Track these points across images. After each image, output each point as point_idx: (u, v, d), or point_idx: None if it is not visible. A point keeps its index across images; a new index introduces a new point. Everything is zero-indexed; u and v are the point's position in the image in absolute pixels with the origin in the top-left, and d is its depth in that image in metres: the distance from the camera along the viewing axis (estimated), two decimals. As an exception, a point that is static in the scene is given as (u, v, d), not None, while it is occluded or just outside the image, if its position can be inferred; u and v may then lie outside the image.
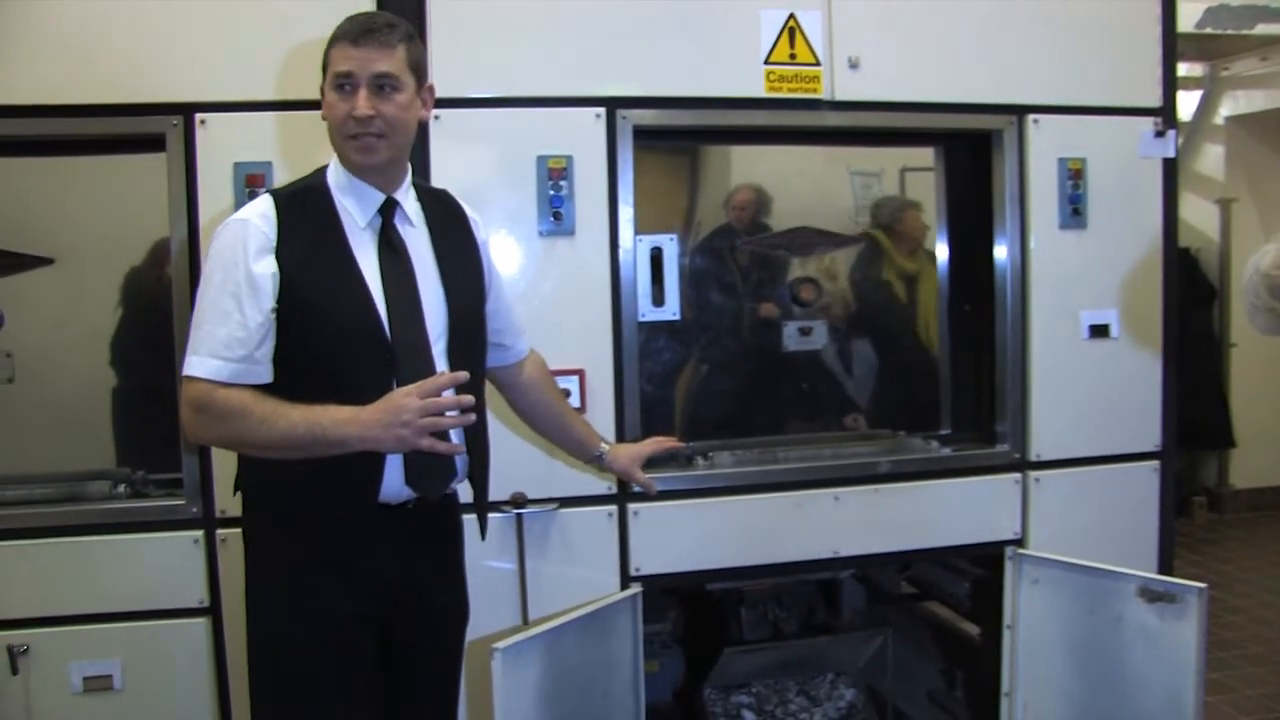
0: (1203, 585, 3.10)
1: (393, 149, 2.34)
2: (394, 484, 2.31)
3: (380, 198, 2.37)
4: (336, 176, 2.37)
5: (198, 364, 2.22)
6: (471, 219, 2.60)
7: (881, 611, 4.06)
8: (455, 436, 2.37)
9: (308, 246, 2.28)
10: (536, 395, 2.79)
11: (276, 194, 2.34)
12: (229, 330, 2.21)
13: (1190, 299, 7.29)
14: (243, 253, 2.23)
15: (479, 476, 2.53)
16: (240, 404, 2.20)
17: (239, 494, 2.42)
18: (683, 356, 3.50)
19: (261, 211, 2.29)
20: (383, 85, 2.29)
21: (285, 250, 2.26)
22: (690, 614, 3.89)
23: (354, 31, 2.28)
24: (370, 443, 2.19)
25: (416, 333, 2.33)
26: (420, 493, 2.36)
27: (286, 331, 2.26)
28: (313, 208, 2.33)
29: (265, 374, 2.26)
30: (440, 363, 2.37)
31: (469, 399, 2.21)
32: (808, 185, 3.69)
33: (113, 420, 3.24)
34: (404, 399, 2.17)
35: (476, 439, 2.47)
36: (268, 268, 2.23)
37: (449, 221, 2.53)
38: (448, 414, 2.20)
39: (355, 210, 2.35)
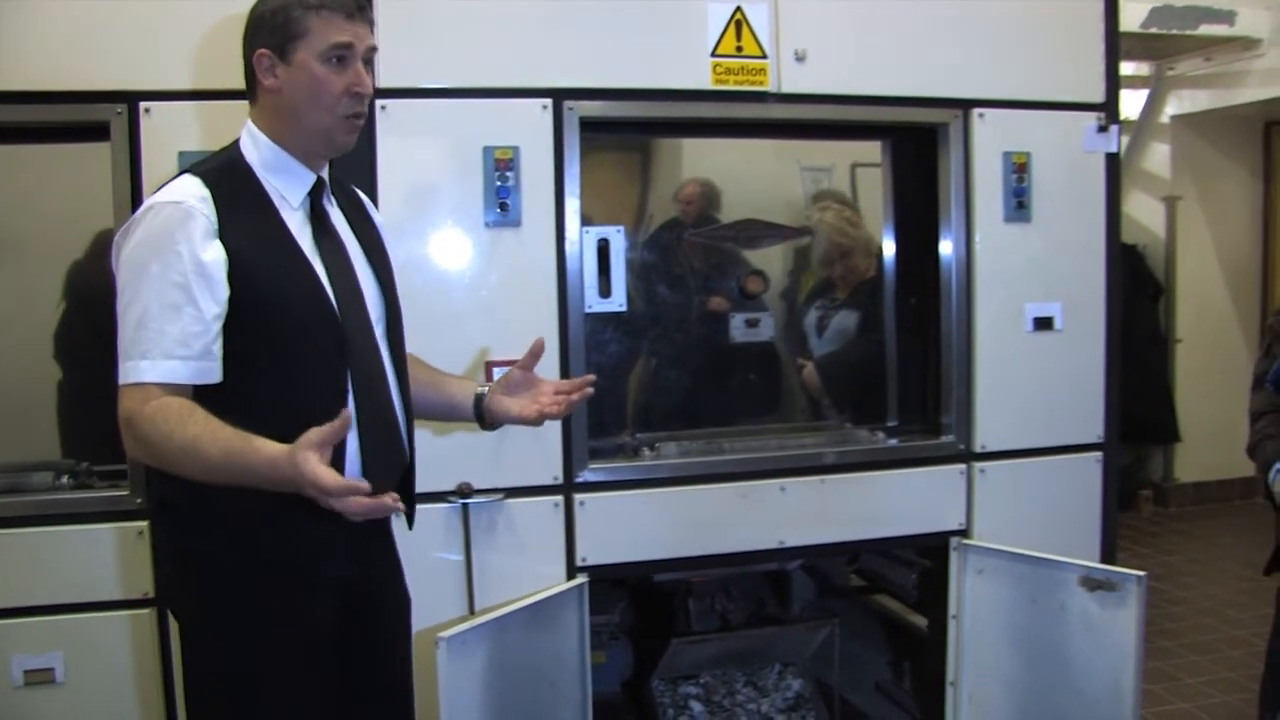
0: (1142, 573, 3.14)
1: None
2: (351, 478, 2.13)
3: (312, 178, 2.24)
4: (263, 154, 2.21)
5: (149, 369, 2.03)
6: (367, 202, 2.51)
7: (831, 604, 4.07)
8: (401, 421, 2.33)
9: (248, 229, 2.12)
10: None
11: (201, 172, 2.15)
12: (182, 325, 2.03)
13: (1136, 295, 7.35)
14: (184, 239, 2.04)
15: (411, 467, 2.43)
16: (164, 424, 1.99)
17: (160, 508, 2.23)
18: (631, 348, 3.50)
19: (196, 193, 2.09)
20: (370, 61, 2.22)
21: (228, 234, 2.08)
22: (638, 606, 3.88)
23: (347, 3, 2.17)
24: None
25: (362, 317, 2.25)
26: (376, 483, 2.17)
27: (235, 323, 2.09)
28: (241, 188, 2.16)
29: (218, 371, 2.08)
30: (380, 347, 2.30)
31: (389, 505, 1.94)
32: (758, 180, 3.70)
33: (58, 413, 3.20)
34: (313, 490, 1.89)
35: (408, 427, 2.38)
36: (217, 254, 2.06)
37: (354, 204, 2.43)
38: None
39: (286, 191, 2.21)
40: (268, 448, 1.94)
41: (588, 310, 3.24)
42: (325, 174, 2.30)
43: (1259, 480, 3.02)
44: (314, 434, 1.91)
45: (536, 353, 2.49)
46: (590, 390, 2.51)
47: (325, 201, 2.29)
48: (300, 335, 2.15)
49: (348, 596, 2.26)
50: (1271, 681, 3.09)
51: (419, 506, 2.73)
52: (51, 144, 3.08)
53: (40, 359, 3.15)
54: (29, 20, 2.89)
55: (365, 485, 1.92)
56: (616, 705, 3.79)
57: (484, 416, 2.52)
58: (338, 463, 2.11)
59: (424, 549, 2.98)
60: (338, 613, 2.24)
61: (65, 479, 3.06)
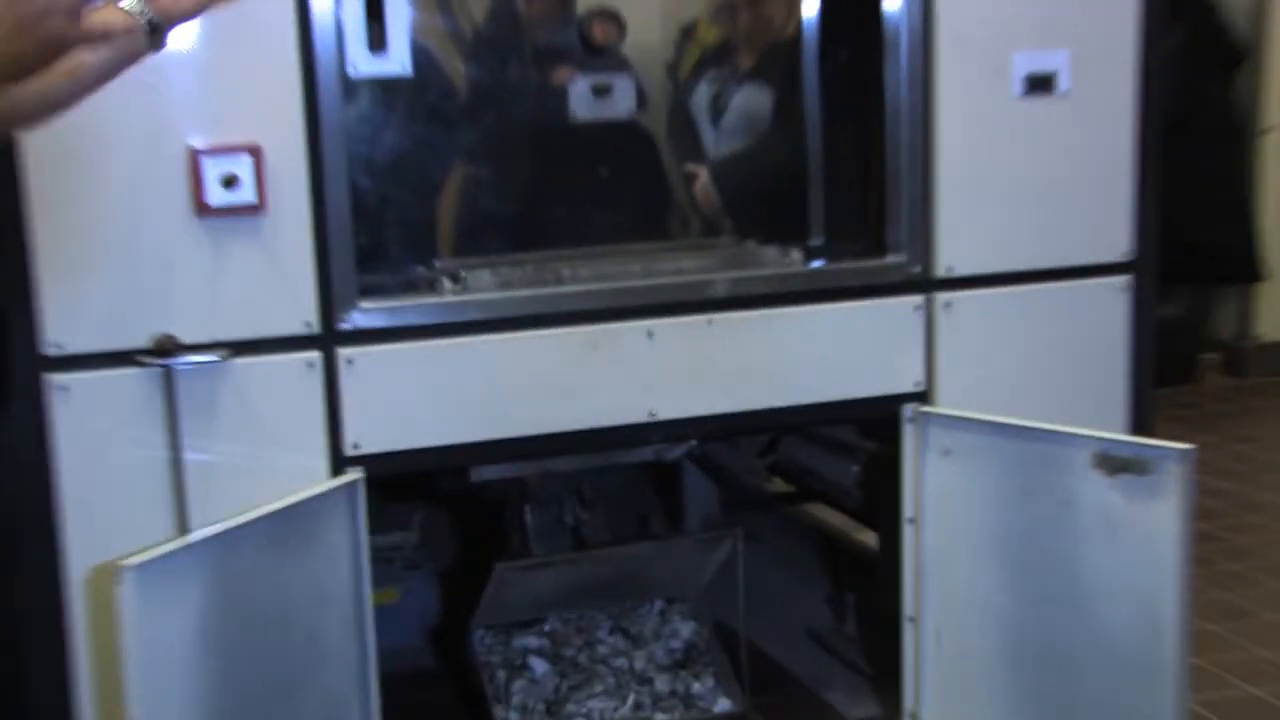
0: (1188, 446, 3.09)
1: None
2: None
3: None
4: None
5: None
6: None
7: (741, 519, 4.05)
8: None
9: None
10: None
11: None
12: None
13: (1203, 65, 7.26)
14: None
15: None
16: None
17: None
18: (422, 135, 3.44)
19: None
20: None
21: None
22: (450, 518, 3.86)
23: None
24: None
25: None
26: None
27: None
28: None
29: None
30: None
31: None
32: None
33: None
34: None
35: None
36: None
37: None
38: None
39: None
40: None
41: (352, 73, 3.16)
42: None
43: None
44: None
45: None
46: None
47: None
48: None
49: None
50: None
51: (88, 375, 2.68)
52: None
53: None
54: None
55: None
56: (418, 665, 3.79)
57: None
58: None
59: (104, 439, 2.92)
60: None
61: None
